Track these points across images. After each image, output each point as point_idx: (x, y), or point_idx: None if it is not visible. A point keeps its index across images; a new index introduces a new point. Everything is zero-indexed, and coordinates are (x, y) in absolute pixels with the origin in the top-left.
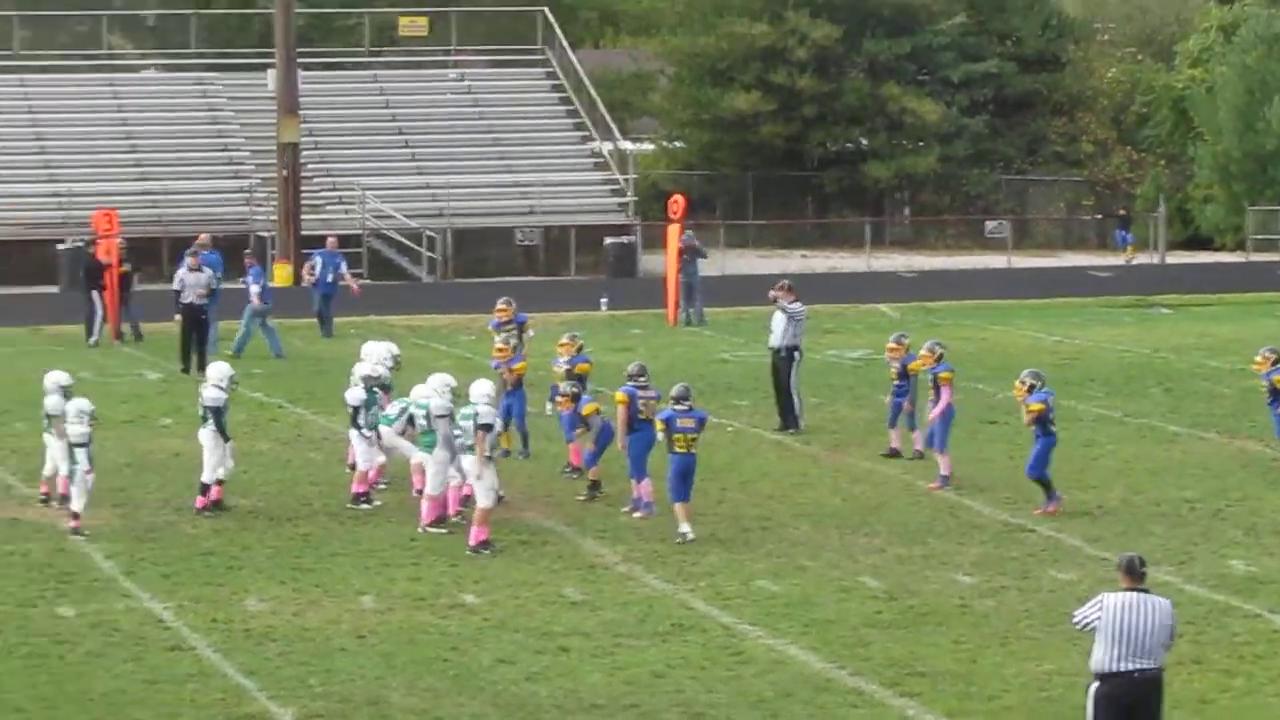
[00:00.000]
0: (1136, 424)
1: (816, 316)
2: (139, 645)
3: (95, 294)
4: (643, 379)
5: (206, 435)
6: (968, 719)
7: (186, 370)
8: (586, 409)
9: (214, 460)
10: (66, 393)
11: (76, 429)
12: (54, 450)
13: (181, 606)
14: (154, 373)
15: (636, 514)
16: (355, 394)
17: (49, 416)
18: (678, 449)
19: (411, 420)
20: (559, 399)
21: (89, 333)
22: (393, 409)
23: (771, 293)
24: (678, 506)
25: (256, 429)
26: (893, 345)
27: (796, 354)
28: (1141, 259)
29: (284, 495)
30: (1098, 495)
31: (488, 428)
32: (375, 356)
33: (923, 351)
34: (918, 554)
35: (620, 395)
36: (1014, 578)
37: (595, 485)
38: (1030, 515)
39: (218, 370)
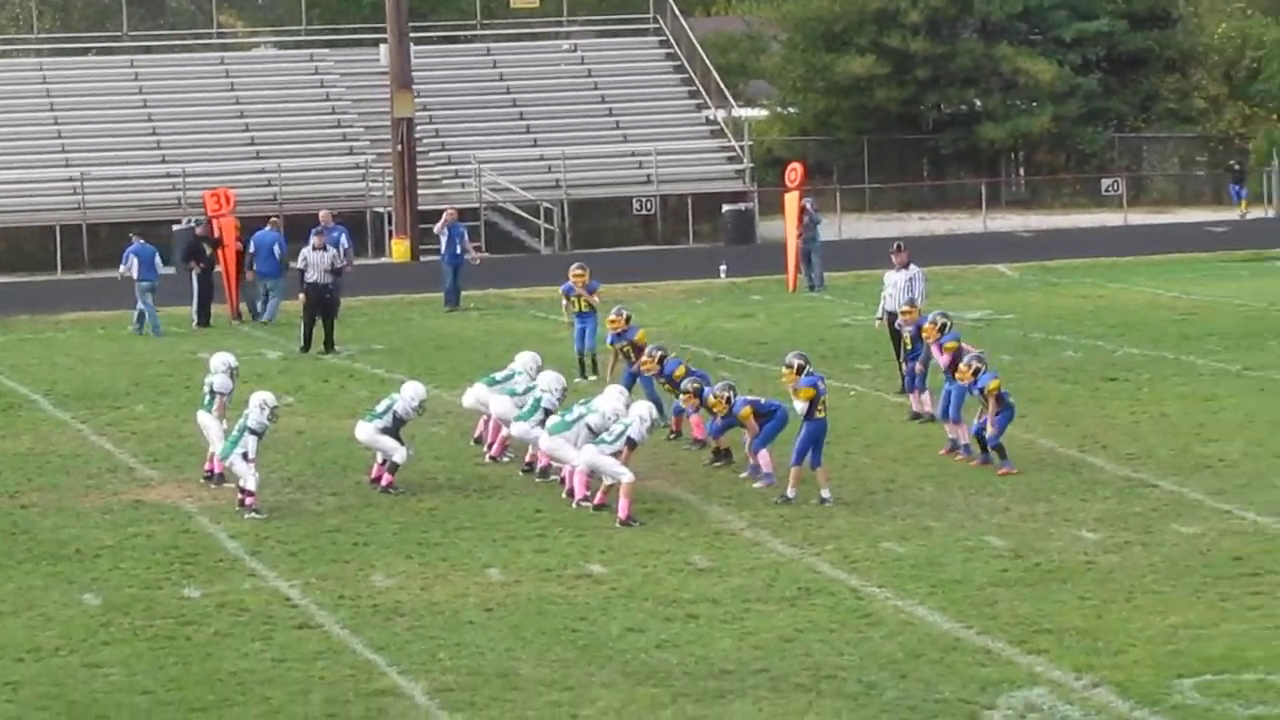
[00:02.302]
0: (1256, 377)
1: (936, 278)
2: (266, 624)
3: (195, 275)
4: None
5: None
6: (1095, 674)
7: (306, 349)
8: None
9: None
10: (233, 373)
11: (257, 418)
12: (211, 430)
13: (308, 584)
14: (274, 352)
15: (757, 484)
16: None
17: (213, 394)
18: (819, 415)
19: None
20: (683, 397)
21: (195, 315)
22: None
23: (900, 257)
24: (820, 472)
25: None
26: (905, 308)
27: None
28: (1256, 213)
29: (408, 470)
30: (1219, 448)
31: (633, 444)
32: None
33: (925, 324)
34: (1041, 512)
35: (807, 390)
36: (1138, 533)
37: (725, 453)
38: (1152, 470)
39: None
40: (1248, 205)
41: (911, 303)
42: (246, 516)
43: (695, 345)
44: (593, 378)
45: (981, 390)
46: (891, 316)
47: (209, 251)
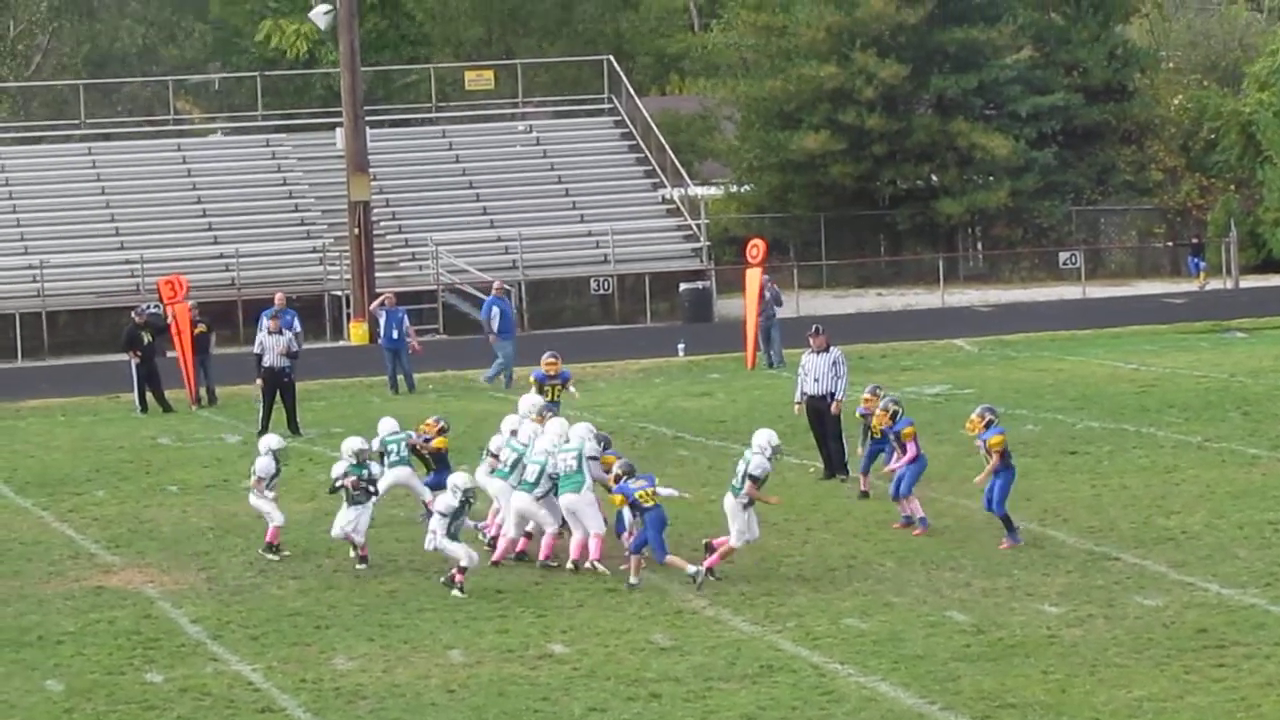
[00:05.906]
0: (1216, 448)
1: (893, 354)
2: (229, 708)
3: (134, 365)
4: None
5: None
6: None
7: (265, 433)
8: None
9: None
10: (278, 456)
11: (447, 501)
12: (266, 508)
13: (270, 668)
14: (233, 436)
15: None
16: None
17: (260, 479)
18: (647, 505)
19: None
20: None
21: (137, 403)
22: (530, 473)
23: (819, 340)
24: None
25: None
26: (867, 396)
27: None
28: (1215, 284)
29: (370, 550)
30: (1181, 520)
31: (756, 480)
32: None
33: (878, 411)
34: (1003, 586)
35: (618, 498)
36: (1100, 606)
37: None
38: (1114, 543)
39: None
40: (1206, 276)
41: (874, 392)
42: (453, 593)
43: (654, 424)
44: None
45: (985, 443)
46: (811, 400)
47: (147, 340)
